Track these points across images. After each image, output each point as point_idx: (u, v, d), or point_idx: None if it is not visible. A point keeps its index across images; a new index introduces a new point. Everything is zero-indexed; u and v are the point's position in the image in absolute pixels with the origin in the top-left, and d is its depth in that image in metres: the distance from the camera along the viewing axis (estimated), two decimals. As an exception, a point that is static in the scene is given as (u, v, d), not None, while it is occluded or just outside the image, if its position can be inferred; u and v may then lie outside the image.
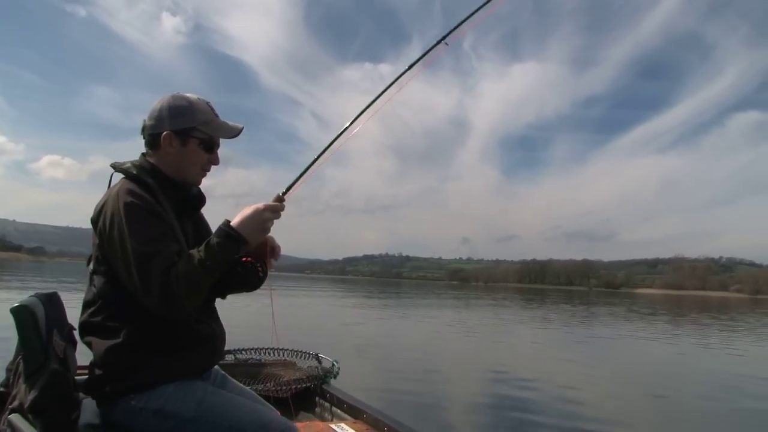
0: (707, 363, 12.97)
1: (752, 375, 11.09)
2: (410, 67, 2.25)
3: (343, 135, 2.11)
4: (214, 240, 1.73)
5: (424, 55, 2.30)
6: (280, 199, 1.89)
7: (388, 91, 2.20)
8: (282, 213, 1.87)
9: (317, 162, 2.04)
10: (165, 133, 1.90)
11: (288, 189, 1.95)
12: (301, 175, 2.00)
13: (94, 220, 1.81)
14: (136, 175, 1.86)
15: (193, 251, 1.71)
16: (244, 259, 1.86)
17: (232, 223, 1.76)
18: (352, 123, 2.14)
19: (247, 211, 1.80)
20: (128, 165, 1.92)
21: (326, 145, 2.09)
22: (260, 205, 1.82)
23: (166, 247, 1.72)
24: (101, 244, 1.79)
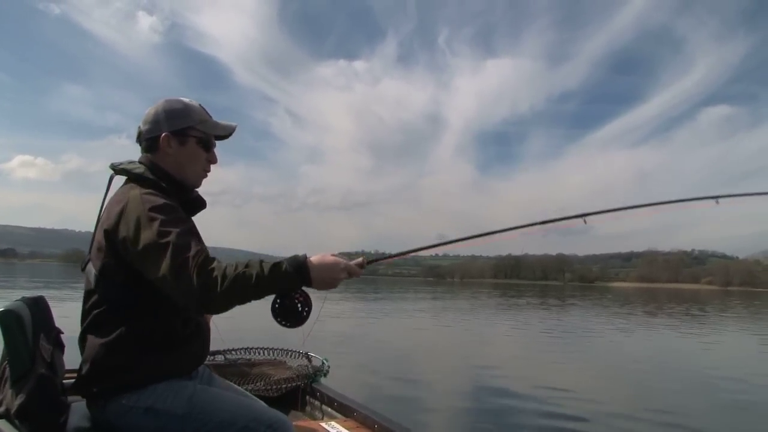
0: (678, 353, 13.23)
1: (721, 363, 11.35)
2: (541, 223, 2.19)
3: (452, 244, 2.09)
4: (285, 265, 1.67)
5: (557, 219, 2.23)
6: (362, 264, 1.86)
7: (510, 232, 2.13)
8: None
9: (410, 252, 2.04)
10: (163, 134, 1.91)
11: (375, 260, 1.94)
12: (392, 256, 2.00)
13: (112, 229, 1.76)
14: (152, 179, 1.86)
15: (254, 261, 1.66)
16: (296, 295, 1.78)
17: (311, 258, 1.73)
18: (472, 237, 2.10)
19: (329, 260, 1.76)
20: (138, 168, 1.90)
21: (435, 243, 2.08)
22: (342, 263, 1.78)
23: (199, 242, 1.71)
24: (119, 250, 1.75)
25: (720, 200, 2.35)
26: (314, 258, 1.74)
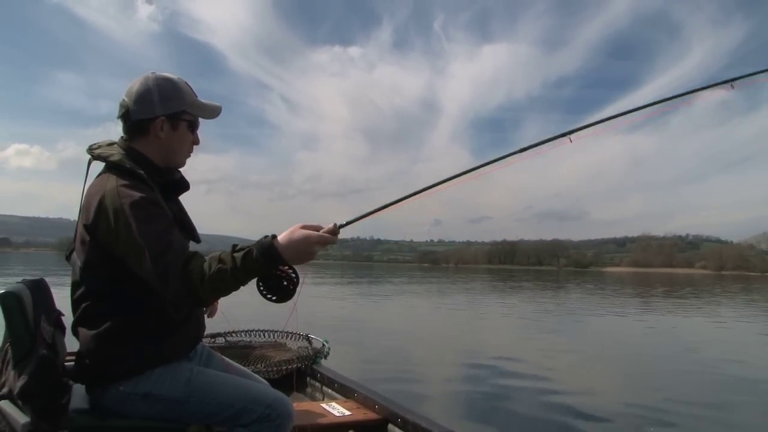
0: (668, 337, 13.31)
1: (712, 344, 11.44)
2: (522, 150, 2.10)
3: (422, 192, 1.96)
4: (255, 253, 1.62)
5: (542, 142, 2.12)
6: (334, 231, 1.74)
7: (490, 166, 2.06)
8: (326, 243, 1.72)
9: (384, 208, 1.94)
10: (159, 118, 1.84)
11: (348, 223, 1.83)
12: (366, 215, 1.88)
13: (92, 224, 1.73)
14: (129, 169, 1.79)
15: (226, 255, 1.62)
16: (277, 272, 1.71)
17: (279, 239, 1.66)
18: (441, 183, 2.00)
19: (297, 235, 1.66)
20: (116, 156, 1.83)
21: (404, 196, 1.96)
22: (313, 235, 1.68)
23: (175, 237, 1.70)
24: (101, 244, 1.73)
25: (735, 84, 2.09)
26: (282, 237, 1.66)
